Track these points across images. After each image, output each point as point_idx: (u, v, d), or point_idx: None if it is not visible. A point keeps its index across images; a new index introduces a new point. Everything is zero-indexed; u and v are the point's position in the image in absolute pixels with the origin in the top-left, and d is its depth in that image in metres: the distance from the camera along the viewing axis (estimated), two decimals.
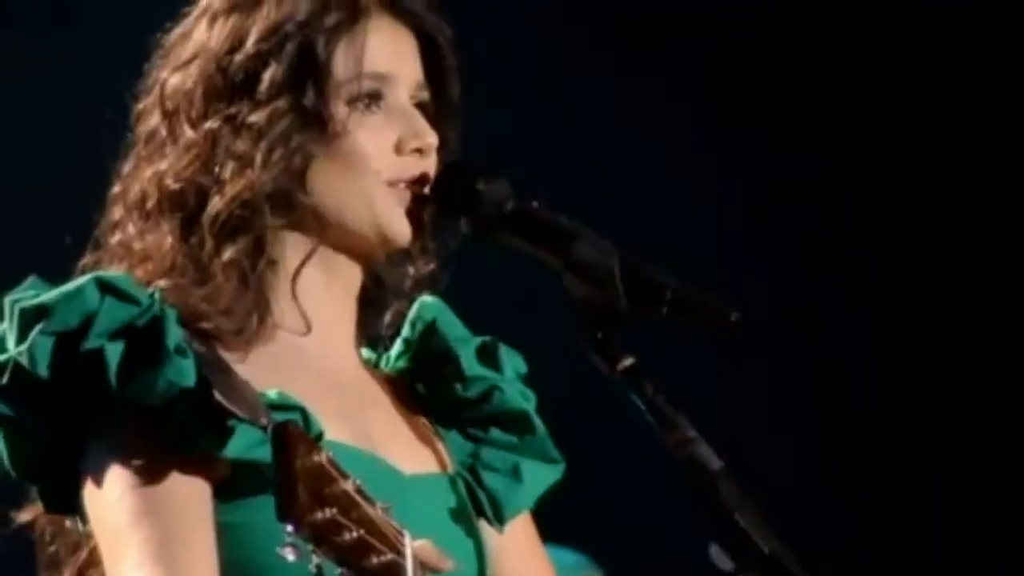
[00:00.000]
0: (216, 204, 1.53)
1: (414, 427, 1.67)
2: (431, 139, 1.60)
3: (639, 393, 1.48)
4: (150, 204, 1.55)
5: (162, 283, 1.51)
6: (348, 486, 1.35)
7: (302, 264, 1.58)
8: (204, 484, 1.46)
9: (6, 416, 1.47)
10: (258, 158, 1.53)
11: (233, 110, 1.55)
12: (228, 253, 1.53)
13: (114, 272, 1.51)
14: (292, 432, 1.34)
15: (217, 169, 1.54)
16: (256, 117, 1.54)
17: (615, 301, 1.51)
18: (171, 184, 1.54)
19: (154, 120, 1.58)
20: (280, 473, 1.32)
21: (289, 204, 1.56)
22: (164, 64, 1.60)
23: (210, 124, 1.54)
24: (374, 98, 1.59)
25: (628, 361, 1.49)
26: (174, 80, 1.57)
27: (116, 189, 1.60)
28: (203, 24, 1.59)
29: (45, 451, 1.49)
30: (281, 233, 1.57)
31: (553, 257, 1.56)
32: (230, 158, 1.54)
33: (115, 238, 1.57)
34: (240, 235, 1.54)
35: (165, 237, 1.54)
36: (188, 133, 1.55)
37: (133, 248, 1.55)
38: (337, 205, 1.57)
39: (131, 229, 1.56)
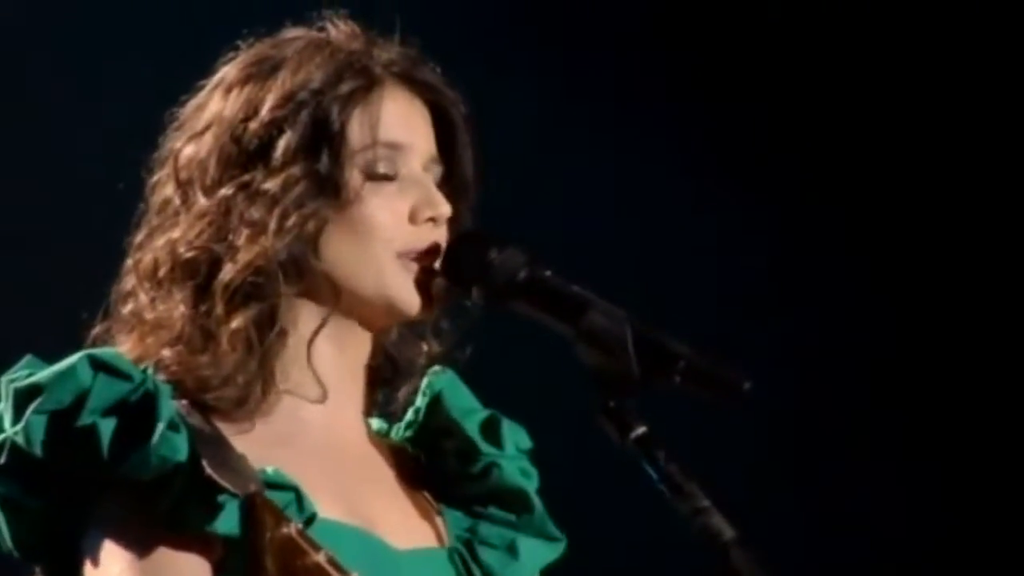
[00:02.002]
0: (229, 271, 1.52)
1: (414, 500, 1.65)
2: (444, 209, 1.59)
3: (651, 462, 1.47)
4: (162, 273, 1.54)
5: (167, 352, 1.51)
6: (320, 558, 1.35)
7: (315, 334, 1.57)
8: (203, 561, 1.45)
9: (4, 496, 1.46)
10: (272, 224, 1.52)
11: (247, 177, 1.54)
12: (237, 321, 1.52)
13: (108, 349, 1.50)
14: (261, 504, 1.35)
15: (230, 236, 1.53)
16: (270, 184, 1.53)
17: (627, 370, 1.50)
18: (184, 252, 1.53)
19: (168, 190, 1.58)
20: (249, 545, 1.31)
21: (301, 272, 1.55)
22: (178, 135, 1.59)
23: (224, 191, 1.54)
24: (388, 167, 1.58)
25: (640, 430, 1.48)
26: (188, 150, 1.57)
27: (130, 260, 1.59)
28: (217, 95, 1.59)
29: (44, 530, 1.48)
30: (292, 301, 1.56)
31: (565, 326, 1.55)
32: (244, 225, 1.53)
33: (127, 307, 1.56)
34: (252, 302, 1.53)
35: (177, 306, 1.53)
36: (201, 201, 1.55)
37: (144, 317, 1.55)
38: (348, 273, 1.57)
39: (143, 298, 1.56)
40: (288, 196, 1.53)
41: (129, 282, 1.58)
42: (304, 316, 1.57)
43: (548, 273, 1.59)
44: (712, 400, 1.50)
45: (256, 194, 1.53)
